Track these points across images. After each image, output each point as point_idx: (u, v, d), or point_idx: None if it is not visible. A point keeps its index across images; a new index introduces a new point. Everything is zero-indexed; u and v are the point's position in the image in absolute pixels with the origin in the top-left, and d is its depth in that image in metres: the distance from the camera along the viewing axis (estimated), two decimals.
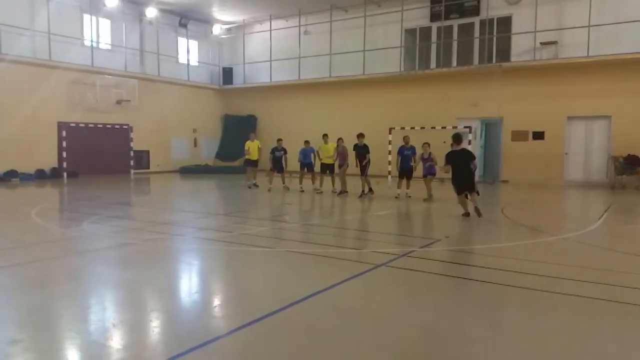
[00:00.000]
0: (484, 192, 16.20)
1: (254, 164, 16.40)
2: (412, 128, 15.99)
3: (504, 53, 19.39)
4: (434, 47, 21.05)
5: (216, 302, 4.86)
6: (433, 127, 15.92)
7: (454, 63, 20.46)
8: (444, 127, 16.11)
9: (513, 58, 19.15)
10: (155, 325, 4.12)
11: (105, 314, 4.36)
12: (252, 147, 16.32)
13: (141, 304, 4.68)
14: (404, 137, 13.70)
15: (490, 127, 20.30)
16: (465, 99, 19.80)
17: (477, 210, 9.54)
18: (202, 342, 3.56)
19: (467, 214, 9.81)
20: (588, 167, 18.38)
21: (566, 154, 18.48)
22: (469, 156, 9.81)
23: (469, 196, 9.71)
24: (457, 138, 9.89)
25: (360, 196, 13.48)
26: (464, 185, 9.72)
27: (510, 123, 19.23)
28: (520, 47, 19.03)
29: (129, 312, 4.40)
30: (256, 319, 4.04)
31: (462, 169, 9.60)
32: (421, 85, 20.80)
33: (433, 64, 20.97)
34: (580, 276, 5.54)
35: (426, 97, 20.58)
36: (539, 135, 18.81)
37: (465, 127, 17.20)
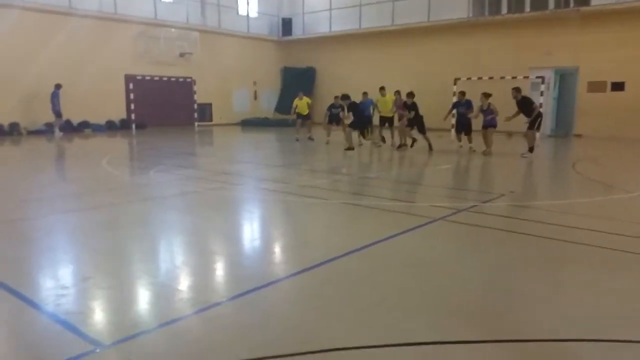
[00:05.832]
0: (556, 145, 15.38)
1: (305, 117, 16.31)
2: (480, 78, 15.25)
3: None
4: None
5: (274, 249, 4.95)
6: (502, 77, 15.09)
7: (527, 8, 19.02)
8: (514, 77, 15.24)
9: (593, 2, 17.54)
10: (217, 268, 4.28)
11: (170, 257, 4.56)
12: (300, 105, 16.18)
13: (204, 248, 4.85)
14: (459, 92, 13.29)
15: (565, 78, 18.98)
16: (538, 47, 18.48)
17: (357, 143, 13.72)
18: (259, 285, 3.64)
19: (381, 143, 14.00)
20: None
21: None
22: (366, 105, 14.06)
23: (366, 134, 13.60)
24: (364, 94, 14.55)
25: (411, 146, 13.32)
26: (366, 125, 13.44)
27: (587, 73, 17.86)
28: None
29: (193, 256, 4.58)
30: (312, 265, 4.08)
31: (363, 116, 13.34)
32: (490, 32, 19.60)
33: (504, 10, 19.63)
34: None
35: (496, 45, 19.40)
36: (618, 86, 17.40)
37: (537, 77, 16.21)
